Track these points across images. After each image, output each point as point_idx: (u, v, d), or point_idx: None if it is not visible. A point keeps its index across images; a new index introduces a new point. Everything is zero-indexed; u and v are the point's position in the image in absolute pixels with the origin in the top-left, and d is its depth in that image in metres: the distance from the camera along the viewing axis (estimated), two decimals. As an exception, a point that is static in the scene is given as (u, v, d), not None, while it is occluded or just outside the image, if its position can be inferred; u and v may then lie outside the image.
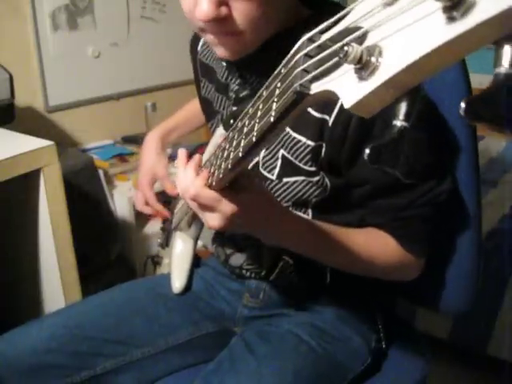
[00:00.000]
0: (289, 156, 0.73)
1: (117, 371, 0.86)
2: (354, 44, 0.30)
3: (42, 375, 0.82)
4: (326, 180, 0.74)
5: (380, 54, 0.29)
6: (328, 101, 0.35)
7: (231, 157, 0.51)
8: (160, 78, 2.23)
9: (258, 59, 0.72)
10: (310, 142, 0.71)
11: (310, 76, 0.35)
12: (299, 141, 0.72)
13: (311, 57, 0.35)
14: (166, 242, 1.05)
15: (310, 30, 0.68)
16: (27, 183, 1.20)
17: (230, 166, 0.52)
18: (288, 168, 0.74)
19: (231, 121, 0.77)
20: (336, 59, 0.32)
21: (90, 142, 2.03)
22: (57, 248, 1.23)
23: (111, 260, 1.74)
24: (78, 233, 1.27)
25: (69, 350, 0.84)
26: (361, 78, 0.30)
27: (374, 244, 0.74)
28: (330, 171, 0.73)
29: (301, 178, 0.74)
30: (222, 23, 0.63)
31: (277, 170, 0.75)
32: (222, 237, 0.93)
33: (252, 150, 0.47)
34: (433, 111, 0.72)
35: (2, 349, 0.83)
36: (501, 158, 2.13)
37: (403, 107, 0.30)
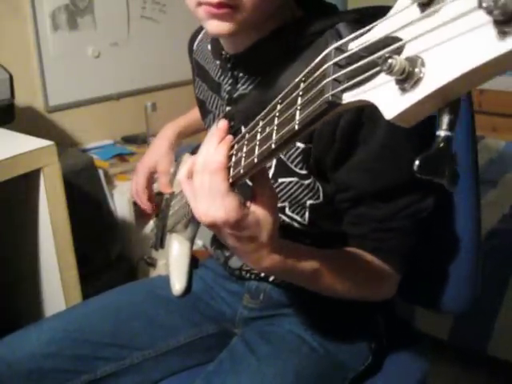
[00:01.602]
0: (282, 157, 0.73)
1: (117, 374, 0.86)
2: (396, 56, 0.30)
3: (41, 380, 0.81)
4: (318, 184, 0.73)
5: (423, 65, 0.29)
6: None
7: (243, 163, 0.51)
8: (160, 78, 2.23)
9: (251, 57, 0.72)
10: (299, 144, 0.70)
11: (343, 86, 0.35)
12: None
13: (341, 66, 0.35)
14: (161, 244, 1.05)
15: (303, 31, 0.68)
16: (27, 183, 1.20)
17: (242, 172, 0.52)
18: (282, 169, 0.74)
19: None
20: (374, 70, 0.32)
21: (90, 142, 2.03)
22: (57, 248, 1.23)
23: (111, 260, 1.74)
24: (78, 233, 1.27)
25: (69, 353, 0.83)
26: (403, 89, 0.30)
27: (363, 270, 0.71)
28: (319, 175, 0.72)
29: (295, 180, 0.73)
30: None
31: (272, 170, 0.75)
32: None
33: (269, 156, 0.47)
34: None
35: (1, 353, 0.82)
36: (500, 158, 2.13)
37: (446, 117, 0.31)
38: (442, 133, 0.31)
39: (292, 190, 0.74)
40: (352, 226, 0.73)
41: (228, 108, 0.79)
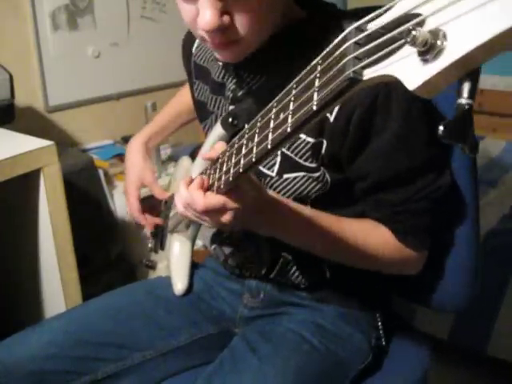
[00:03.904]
0: (288, 152, 0.74)
1: (118, 375, 0.86)
2: (418, 28, 0.31)
3: (42, 381, 0.81)
4: (327, 175, 0.75)
5: (444, 37, 0.30)
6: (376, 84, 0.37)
7: (255, 151, 0.52)
8: (160, 77, 2.23)
9: (255, 59, 0.72)
10: (309, 139, 0.72)
11: (364, 62, 0.36)
12: (298, 138, 0.73)
13: (361, 45, 0.36)
14: (161, 245, 1.05)
15: (306, 31, 0.68)
16: (27, 183, 1.20)
17: (253, 160, 0.52)
18: (288, 164, 0.75)
19: (230, 119, 0.77)
20: (394, 45, 0.33)
21: (90, 142, 2.03)
22: (57, 248, 1.23)
23: (111, 260, 1.74)
24: (78, 233, 1.27)
25: (69, 355, 0.83)
26: (425, 61, 0.31)
27: (371, 235, 0.75)
28: (332, 167, 0.74)
29: (301, 174, 0.74)
30: (223, 32, 0.64)
31: (276, 167, 0.76)
32: (220, 237, 0.93)
33: (284, 141, 0.47)
34: (428, 106, 0.73)
35: (1, 356, 0.82)
36: (501, 158, 2.13)
37: (466, 85, 0.32)
38: (463, 100, 0.32)
39: (298, 185, 0.75)
40: (371, 210, 0.75)
41: (232, 107, 0.80)
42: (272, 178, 0.76)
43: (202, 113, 0.90)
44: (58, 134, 1.92)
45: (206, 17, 0.61)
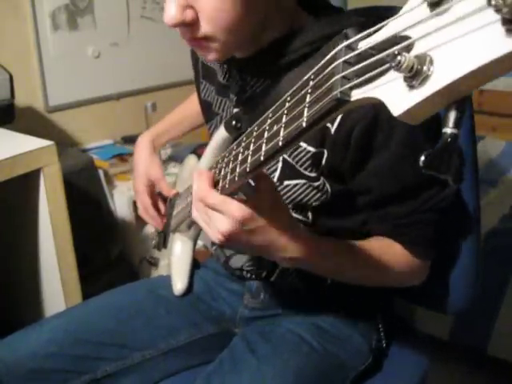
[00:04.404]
0: (289, 159, 0.73)
1: (118, 374, 0.86)
2: (404, 53, 0.30)
3: (42, 380, 0.81)
4: (327, 185, 0.74)
5: (431, 62, 0.29)
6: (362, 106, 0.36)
7: (249, 161, 0.51)
8: (160, 78, 2.23)
9: (259, 62, 0.72)
10: (310, 148, 0.71)
11: (352, 83, 0.35)
12: (299, 146, 0.72)
13: (350, 64, 0.36)
14: (163, 244, 1.05)
15: (311, 36, 0.68)
16: (27, 183, 1.20)
17: (248, 170, 0.52)
18: (289, 171, 0.74)
19: (233, 122, 0.77)
20: (382, 68, 0.33)
21: (90, 142, 2.03)
22: (57, 248, 1.23)
23: (111, 260, 1.74)
24: (78, 233, 1.27)
25: (69, 353, 0.83)
26: (411, 87, 0.30)
27: (385, 256, 0.73)
28: (332, 177, 0.73)
29: (302, 182, 0.74)
30: (190, 28, 0.63)
31: (277, 173, 0.75)
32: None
33: (276, 154, 0.47)
34: (432, 117, 0.72)
35: (1, 354, 0.82)
36: (501, 158, 2.13)
37: (452, 114, 0.31)
38: (448, 130, 0.31)
39: (298, 192, 0.75)
40: (375, 223, 0.75)
41: (236, 110, 0.79)
42: None
43: (207, 113, 0.90)
44: (58, 134, 1.92)
45: (169, 11, 0.61)
